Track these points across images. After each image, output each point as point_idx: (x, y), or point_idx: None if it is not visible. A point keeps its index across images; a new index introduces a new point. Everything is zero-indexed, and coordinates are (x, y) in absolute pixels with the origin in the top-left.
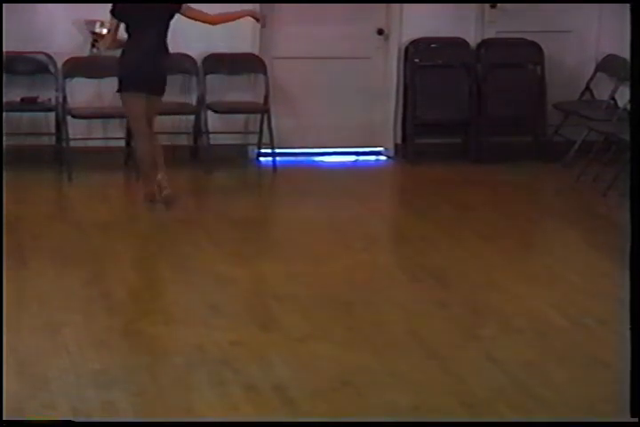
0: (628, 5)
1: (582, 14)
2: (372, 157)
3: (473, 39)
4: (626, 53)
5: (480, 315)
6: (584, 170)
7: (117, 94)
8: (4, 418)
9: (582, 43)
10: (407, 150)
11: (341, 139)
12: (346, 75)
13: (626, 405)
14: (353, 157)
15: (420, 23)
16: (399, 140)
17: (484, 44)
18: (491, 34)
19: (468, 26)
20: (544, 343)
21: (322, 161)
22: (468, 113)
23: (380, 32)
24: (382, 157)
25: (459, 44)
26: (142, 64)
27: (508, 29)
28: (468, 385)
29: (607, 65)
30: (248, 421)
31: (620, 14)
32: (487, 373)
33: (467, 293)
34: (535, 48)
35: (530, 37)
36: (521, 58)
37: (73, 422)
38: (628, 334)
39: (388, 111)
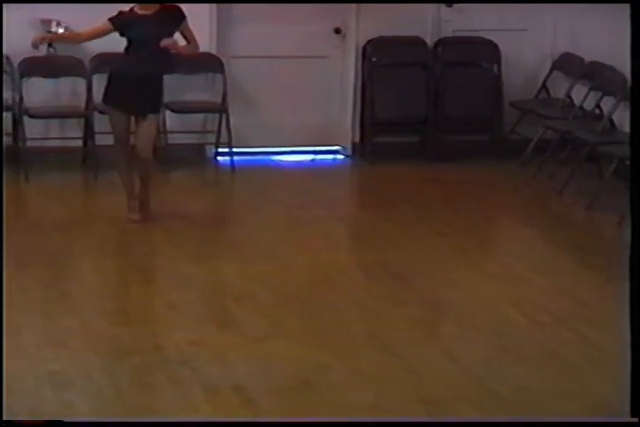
0: (583, 5)
1: (538, 13)
2: (330, 156)
3: (430, 38)
4: (580, 52)
5: (439, 313)
6: (540, 168)
7: (75, 93)
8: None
9: (538, 41)
10: (365, 149)
11: (299, 138)
12: (303, 74)
13: (587, 401)
14: (311, 157)
15: (377, 22)
16: (357, 139)
17: (441, 42)
18: (447, 33)
19: (424, 25)
20: (502, 341)
21: (280, 160)
22: (426, 111)
23: (338, 31)
24: (340, 156)
25: (416, 42)
26: (133, 83)
27: (464, 28)
28: (427, 383)
29: (563, 63)
30: (252, 421)
31: (575, 13)
32: (446, 371)
33: (425, 291)
34: (492, 47)
35: (486, 36)
36: (478, 56)
37: (63, 421)
38: (585, 331)
39: (345, 110)
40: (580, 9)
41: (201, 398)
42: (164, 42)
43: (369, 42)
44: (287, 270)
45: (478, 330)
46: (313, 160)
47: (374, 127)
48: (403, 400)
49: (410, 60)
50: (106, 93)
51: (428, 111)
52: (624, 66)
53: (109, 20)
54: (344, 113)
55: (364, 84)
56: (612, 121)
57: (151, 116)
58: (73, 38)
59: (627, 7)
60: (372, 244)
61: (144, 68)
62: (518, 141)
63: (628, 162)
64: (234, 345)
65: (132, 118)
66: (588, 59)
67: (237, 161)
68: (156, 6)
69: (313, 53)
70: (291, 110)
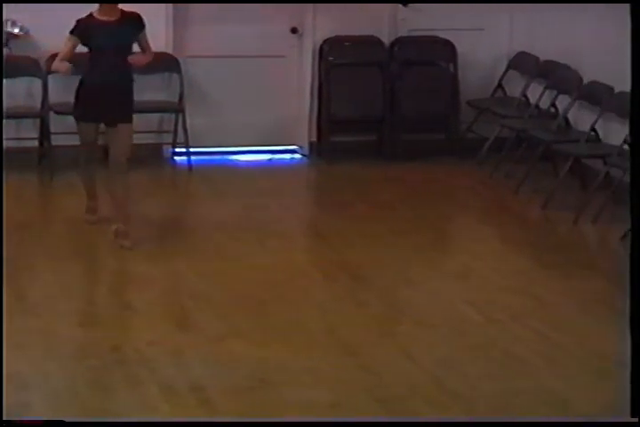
0: (538, 4)
1: (494, 12)
2: (287, 156)
3: (386, 37)
4: (536, 50)
5: (396, 312)
6: (496, 167)
7: (30, 94)
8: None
9: (494, 40)
10: (322, 148)
11: (256, 137)
12: (260, 73)
13: (543, 398)
14: (268, 156)
15: (333, 21)
16: (314, 139)
17: (398, 42)
18: (404, 32)
19: (381, 24)
20: (459, 339)
21: (237, 160)
22: (382, 111)
23: (294, 30)
24: (297, 156)
25: (372, 42)
26: (101, 92)
27: (421, 27)
28: (385, 382)
29: (519, 62)
30: (256, 421)
31: (531, 12)
32: (403, 369)
33: (383, 290)
34: (448, 46)
35: (443, 35)
36: (434, 56)
37: (64, 421)
38: (541, 328)
39: (302, 109)
40: (536, 8)
41: (159, 399)
42: (133, 58)
43: (325, 41)
44: (245, 270)
45: (436, 328)
46: (270, 160)
47: (331, 126)
48: (360, 399)
49: (366, 59)
50: (76, 107)
51: (385, 110)
52: (579, 64)
53: (71, 33)
54: (301, 112)
55: (320, 83)
56: (567, 120)
57: (124, 126)
58: (54, 68)
59: (582, 7)
60: (330, 243)
61: (112, 76)
62: (475, 140)
63: (583, 160)
64: (191, 345)
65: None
66: (543, 58)
67: (194, 161)
68: (118, 13)
69: (270, 53)
70: (248, 110)
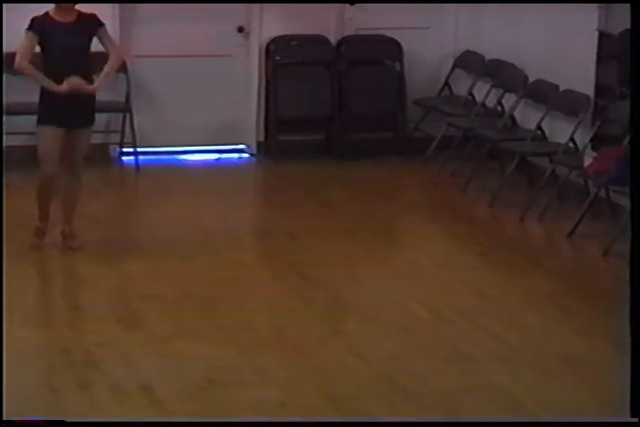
0: (482, 5)
1: (440, 11)
2: (235, 155)
3: (333, 36)
4: (482, 49)
5: (344, 310)
6: (443, 165)
7: None
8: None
9: (440, 39)
10: (270, 148)
11: (204, 137)
12: (207, 73)
13: (491, 395)
14: (216, 156)
15: (280, 21)
16: (262, 138)
17: (345, 41)
18: (351, 31)
19: (328, 23)
20: (408, 337)
21: (185, 159)
22: (330, 110)
23: (241, 30)
24: (245, 155)
25: (319, 41)
26: (66, 97)
27: (367, 26)
28: (334, 380)
29: (464, 61)
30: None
31: (476, 11)
32: (352, 367)
33: (331, 288)
34: (394, 45)
35: (389, 34)
36: (381, 55)
37: (64, 421)
38: (488, 325)
39: (250, 109)
40: (481, 7)
41: (108, 399)
42: (98, 85)
43: (272, 40)
44: (193, 270)
45: (384, 326)
46: (218, 159)
47: (279, 126)
48: (309, 398)
49: (313, 58)
50: (40, 110)
51: (333, 109)
52: (524, 63)
53: (29, 30)
54: (248, 112)
55: (267, 82)
56: (513, 118)
57: (87, 130)
58: (21, 68)
59: (527, 6)
60: (278, 242)
61: (71, 75)
62: (422, 139)
63: (529, 158)
64: (140, 345)
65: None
66: (488, 56)
67: (142, 161)
68: (74, 14)
69: (216, 52)
70: (195, 109)
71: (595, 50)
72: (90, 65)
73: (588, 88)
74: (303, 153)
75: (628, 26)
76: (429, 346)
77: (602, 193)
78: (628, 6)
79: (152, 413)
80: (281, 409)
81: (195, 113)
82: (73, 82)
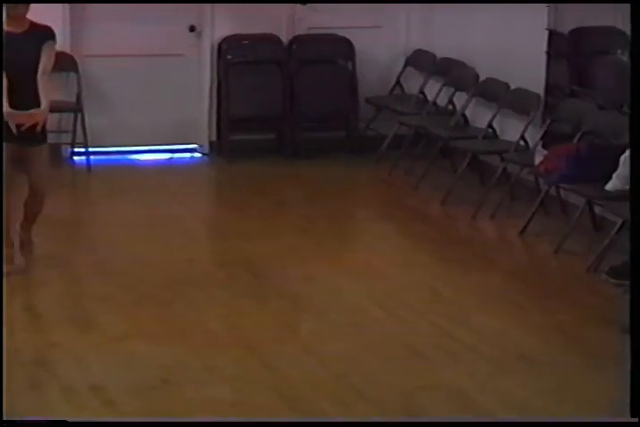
0: (433, 4)
1: (391, 10)
2: (188, 155)
3: (285, 36)
4: (433, 48)
5: (298, 309)
6: (396, 164)
7: None
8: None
9: (392, 38)
10: (222, 147)
11: (156, 137)
12: (159, 72)
13: (445, 393)
14: (168, 155)
15: (232, 20)
16: (214, 137)
17: (296, 40)
18: (302, 30)
19: (279, 22)
20: (362, 335)
21: (137, 159)
22: (282, 109)
23: (192, 29)
24: (197, 155)
25: (271, 40)
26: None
27: (319, 26)
28: (287, 379)
29: (416, 60)
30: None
31: (427, 10)
32: (306, 366)
33: (285, 287)
34: (346, 44)
35: (341, 33)
36: (332, 54)
37: (66, 421)
38: (442, 323)
39: (202, 108)
40: (432, 6)
41: (60, 400)
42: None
43: (224, 39)
44: (146, 269)
45: (338, 325)
46: (170, 159)
47: (231, 125)
48: (263, 397)
49: (265, 57)
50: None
51: (285, 108)
52: (475, 62)
53: None
54: (200, 111)
55: (219, 81)
56: (464, 116)
57: (43, 146)
58: None
59: (477, 5)
60: (232, 241)
61: (28, 93)
62: (374, 137)
63: (480, 157)
64: (93, 346)
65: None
66: (440, 55)
67: (94, 161)
68: (26, 25)
69: (168, 51)
70: (147, 109)
71: (544, 48)
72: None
73: (539, 86)
74: (255, 152)
75: (577, 24)
76: (383, 344)
77: (552, 191)
78: (577, 5)
79: (103, 413)
80: (234, 408)
81: (146, 112)
82: (27, 118)
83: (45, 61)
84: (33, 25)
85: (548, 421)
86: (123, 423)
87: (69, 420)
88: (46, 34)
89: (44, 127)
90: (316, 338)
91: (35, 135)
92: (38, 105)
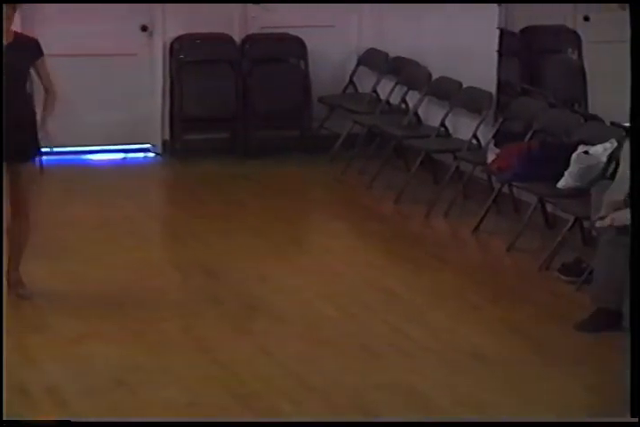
0: (386, 4)
1: (343, 9)
2: (141, 155)
3: (237, 35)
4: (386, 47)
5: (252, 309)
6: (349, 163)
7: None
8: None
9: (344, 37)
10: (175, 147)
11: (109, 136)
12: (111, 72)
13: (399, 392)
14: (121, 155)
15: (184, 19)
16: (167, 137)
17: (249, 39)
18: (255, 29)
19: (232, 22)
20: (316, 334)
21: (90, 159)
22: (235, 108)
23: (145, 29)
24: (151, 154)
25: (223, 39)
26: (9, 127)
27: (271, 25)
28: (242, 379)
29: (368, 59)
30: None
31: (379, 9)
32: (261, 365)
33: (239, 287)
34: (299, 43)
35: (293, 33)
36: (285, 53)
37: (70, 421)
38: (395, 322)
39: (154, 108)
40: (384, 5)
41: (13, 402)
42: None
43: (176, 39)
44: (100, 270)
45: (292, 324)
46: (124, 159)
47: (184, 124)
48: (218, 397)
49: (218, 56)
50: None
51: (238, 108)
52: (427, 61)
53: None
54: (153, 111)
55: (172, 81)
56: (417, 115)
57: (30, 163)
58: None
59: (429, 5)
60: (185, 241)
61: (11, 109)
62: (328, 137)
63: (433, 155)
64: (46, 347)
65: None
66: (392, 54)
67: (46, 161)
68: (11, 36)
69: (120, 51)
70: (100, 109)
71: (496, 47)
72: (28, 97)
73: (490, 85)
74: (209, 152)
75: (528, 23)
76: (337, 343)
77: (505, 189)
78: (527, 4)
79: (59, 414)
80: (190, 409)
81: (99, 112)
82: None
83: (48, 78)
84: (18, 36)
85: (548, 421)
86: (125, 423)
87: (72, 420)
88: (37, 48)
89: (34, 142)
90: (270, 338)
91: (31, 148)
92: (25, 113)
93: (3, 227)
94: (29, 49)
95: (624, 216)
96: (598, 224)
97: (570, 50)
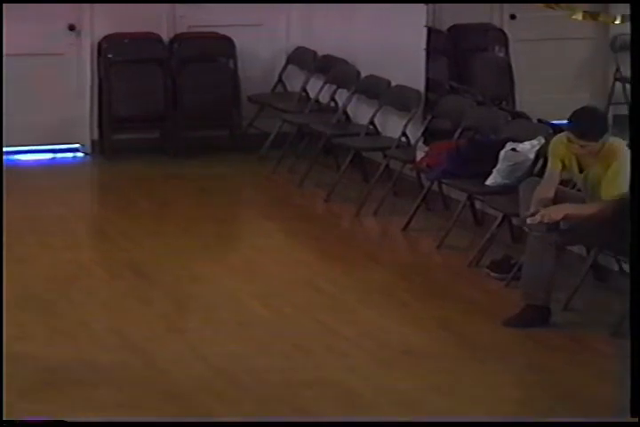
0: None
1: (272, 8)
2: (70, 155)
3: (166, 34)
4: (314, 46)
5: (183, 309)
6: (280, 161)
7: None
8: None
9: (273, 36)
10: (104, 146)
11: (37, 137)
12: (38, 72)
13: (331, 390)
14: (50, 155)
15: (112, 18)
16: (96, 137)
17: (177, 38)
18: (183, 28)
19: (160, 21)
20: (246, 333)
21: (18, 160)
22: (164, 107)
23: (72, 28)
24: (80, 154)
25: (152, 39)
26: None
27: (200, 24)
28: (173, 378)
29: (297, 57)
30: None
31: (308, 8)
32: (191, 365)
33: (169, 287)
34: (227, 42)
35: (222, 31)
36: (214, 52)
37: (65, 421)
38: (326, 320)
39: (83, 107)
40: (313, 4)
41: None
42: None
43: (104, 38)
44: (28, 270)
45: (223, 324)
46: (53, 159)
47: (113, 124)
48: (149, 398)
49: (146, 56)
50: None
51: (167, 107)
52: (356, 59)
53: None
54: (82, 110)
55: (100, 80)
56: (346, 113)
57: None
58: None
59: (357, 4)
60: (115, 241)
61: None
62: (257, 135)
63: (363, 153)
64: None
65: None
66: (321, 53)
67: None
68: None
69: (47, 51)
70: (27, 109)
71: (424, 46)
72: None
73: (419, 83)
74: (138, 151)
75: (455, 22)
76: (268, 342)
77: (435, 187)
78: (455, 4)
79: None
80: (120, 409)
81: (27, 113)
82: None
83: None
84: None
85: (547, 421)
86: (123, 423)
87: (68, 420)
88: None
89: None
90: (201, 338)
91: None
92: None
93: (2, 227)
94: None
95: (555, 213)
96: (529, 221)
97: (497, 48)
